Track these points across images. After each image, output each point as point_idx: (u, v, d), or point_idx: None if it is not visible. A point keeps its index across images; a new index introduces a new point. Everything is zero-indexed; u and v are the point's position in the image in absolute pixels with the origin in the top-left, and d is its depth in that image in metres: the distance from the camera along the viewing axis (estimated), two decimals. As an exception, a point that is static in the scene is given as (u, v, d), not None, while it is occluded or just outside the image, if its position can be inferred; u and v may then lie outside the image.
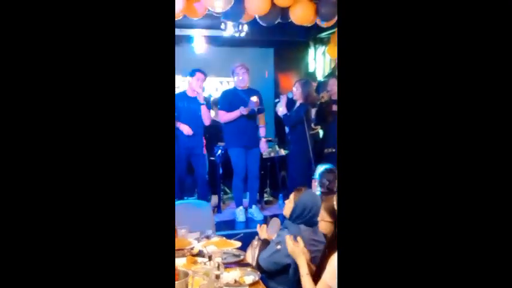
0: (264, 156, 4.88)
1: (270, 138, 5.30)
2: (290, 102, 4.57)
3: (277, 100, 4.69)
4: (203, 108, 4.34)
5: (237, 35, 5.14)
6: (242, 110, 4.29)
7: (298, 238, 2.04)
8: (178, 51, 5.36)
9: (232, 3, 3.70)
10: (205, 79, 4.41)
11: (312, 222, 2.21)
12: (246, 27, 5.04)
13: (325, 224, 2.07)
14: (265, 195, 5.21)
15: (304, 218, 2.22)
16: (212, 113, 5.19)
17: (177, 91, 4.52)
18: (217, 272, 1.89)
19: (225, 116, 4.43)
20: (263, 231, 2.45)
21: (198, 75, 4.31)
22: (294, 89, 4.50)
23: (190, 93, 4.38)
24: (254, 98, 4.31)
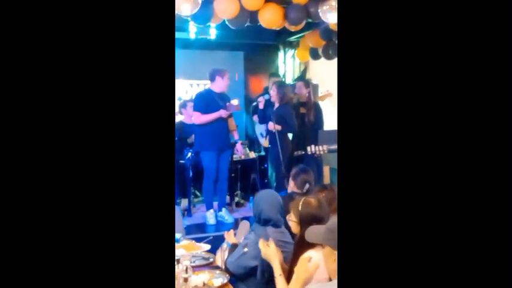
0: (234, 159, 4.89)
1: (240, 141, 5.33)
2: (267, 104, 4.65)
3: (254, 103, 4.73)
4: None
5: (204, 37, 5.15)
6: (222, 113, 4.29)
7: (270, 240, 2.05)
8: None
9: (199, 6, 3.70)
10: None
11: (278, 224, 2.24)
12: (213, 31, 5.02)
13: (292, 223, 2.10)
14: (235, 197, 5.22)
15: (264, 218, 2.24)
16: (180, 116, 5.19)
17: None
18: (185, 275, 1.89)
19: (201, 118, 4.37)
20: (231, 237, 2.46)
21: None
22: (271, 91, 4.55)
23: None
24: (235, 102, 4.32)
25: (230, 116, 4.50)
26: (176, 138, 4.98)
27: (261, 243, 2.05)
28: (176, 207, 3.63)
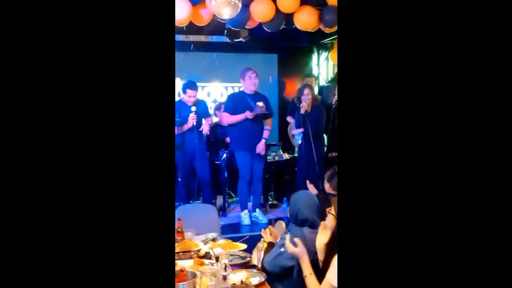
0: (268, 160, 4.94)
1: (274, 143, 5.37)
2: (294, 107, 4.66)
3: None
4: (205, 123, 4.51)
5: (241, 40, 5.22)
6: (248, 114, 4.35)
7: (296, 239, 2.07)
8: (185, 57, 5.44)
9: (239, 10, 3.76)
10: (196, 92, 4.57)
11: (315, 224, 2.26)
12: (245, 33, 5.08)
13: (331, 217, 2.12)
14: (269, 198, 5.26)
15: (301, 219, 2.27)
16: (215, 118, 5.29)
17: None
18: (224, 273, 1.94)
19: (228, 118, 4.48)
20: (267, 235, 2.50)
21: (189, 92, 4.47)
22: (307, 95, 4.56)
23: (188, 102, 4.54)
24: (260, 103, 4.38)
25: (268, 117, 4.55)
26: (212, 140, 5.09)
27: (288, 243, 2.07)
28: (212, 206, 3.71)
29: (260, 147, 4.56)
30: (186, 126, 4.41)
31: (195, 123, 4.39)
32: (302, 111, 4.50)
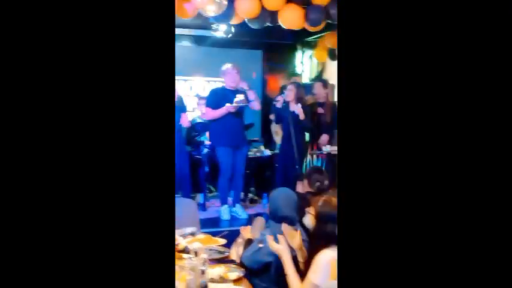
0: (249, 156, 4.97)
1: (256, 139, 5.40)
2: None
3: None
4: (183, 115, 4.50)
5: (224, 36, 5.22)
6: (229, 107, 4.36)
7: (280, 236, 2.11)
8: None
9: (225, 8, 3.77)
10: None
11: (293, 221, 2.30)
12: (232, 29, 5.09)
13: (310, 217, 2.16)
14: (249, 194, 5.29)
15: (280, 216, 2.30)
16: (198, 112, 5.28)
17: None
18: (203, 268, 1.96)
19: (211, 113, 4.49)
20: (247, 232, 2.52)
21: None
22: (288, 91, 4.59)
23: None
24: (240, 96, 4.39)
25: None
26: (192, 134, 5.09)
27: (270, 240, 2.10)
28: (192, 201, 3.72)
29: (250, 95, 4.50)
30: None
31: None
32: (278, 105, 4.51)
